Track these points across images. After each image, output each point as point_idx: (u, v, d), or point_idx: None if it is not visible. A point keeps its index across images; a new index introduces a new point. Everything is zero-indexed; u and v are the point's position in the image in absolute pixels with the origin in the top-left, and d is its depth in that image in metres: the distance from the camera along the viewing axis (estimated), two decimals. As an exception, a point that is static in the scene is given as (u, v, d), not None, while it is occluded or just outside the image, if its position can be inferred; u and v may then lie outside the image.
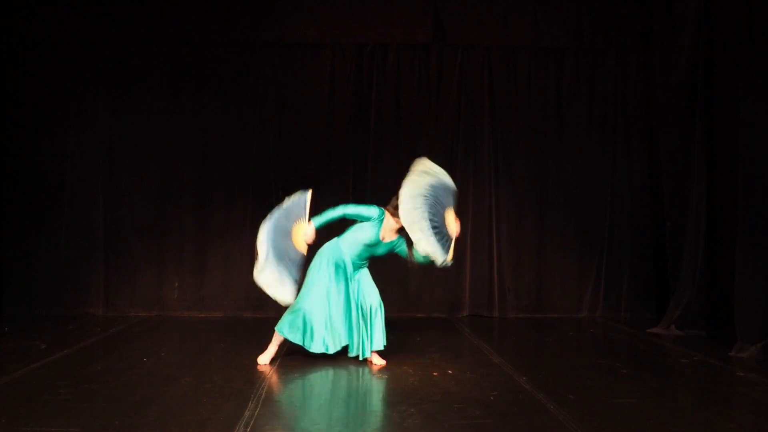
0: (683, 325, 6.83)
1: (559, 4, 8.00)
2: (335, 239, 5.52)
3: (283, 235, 5.22)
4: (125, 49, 7.82)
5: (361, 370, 5.22)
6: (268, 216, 5.27)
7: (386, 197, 7.97)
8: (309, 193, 5.32)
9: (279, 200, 7.65)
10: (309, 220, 5.24)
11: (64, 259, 7.74)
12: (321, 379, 5.00)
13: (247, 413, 4.08)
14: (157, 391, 4.58)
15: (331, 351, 5.33)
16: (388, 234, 5.37)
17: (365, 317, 5.37)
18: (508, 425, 3.93)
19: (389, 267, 7.95)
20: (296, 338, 5.33)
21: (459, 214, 7.92)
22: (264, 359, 5.38)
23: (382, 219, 5.34)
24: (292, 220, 5.26)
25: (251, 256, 5.41)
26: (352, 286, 5.43)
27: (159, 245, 7.86)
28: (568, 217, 8.10)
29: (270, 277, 5.13)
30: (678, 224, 7.08)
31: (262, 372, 5.12)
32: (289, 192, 7.75)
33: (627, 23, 8.02)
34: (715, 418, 4.09)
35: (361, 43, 7.97)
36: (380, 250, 5.44)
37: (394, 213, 5.24)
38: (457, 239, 5.20)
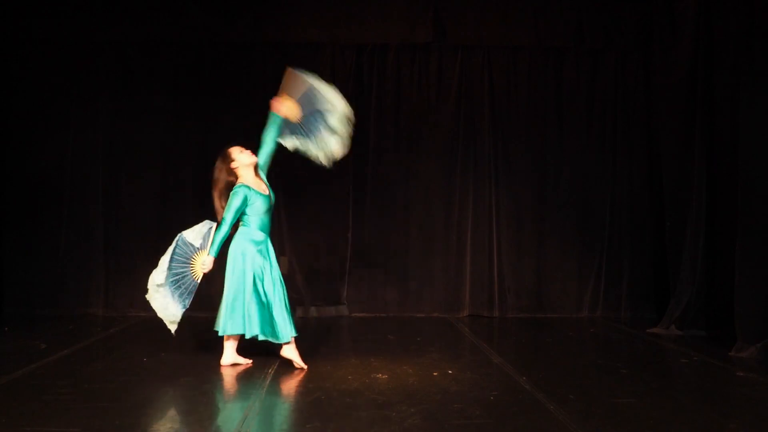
0: (683, 325, 6.84)
1: (559, 4, 7.99)
2: (238, 237, 5.32)
3: (183, 262, 5.37)
4: (125, 49, 7.82)
5: (360, 370, 5.22)
6: (173, 243, 5.41)
7: (386, 197, 8.03)
8: (213, 225, 5.40)
9: (278, 200, 7.74)
10: (208, 251, 5.27)
11: (64, 259, 7.74)
12: (320, 379, 5.00)
13: (247, 413, 4.08)
14: (157, 391, 4.58)
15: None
16: (256, 183, 5.34)
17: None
18: (508, 425, 3.93)
19: (389, 267, 7.97)
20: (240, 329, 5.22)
21: (459, 214, 8.02)
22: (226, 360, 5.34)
23: (244, 185, 5.27)
24: (193, 248, 5.38)
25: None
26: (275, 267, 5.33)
27: (159, 245, 7.80)
28: (568, 217, 8.09)
29: (162, 301, 5.32)
30: (678, 224, 7.07)
31: (262, 372, 5.12)
32: (289, 192, 7.82)
33: (627, 23, 8.02)
34: (715, 418, 4.09)
35: (361, 43, 7.97)
36: (272, 197, 5.40)
37: (231, 171, 5.38)
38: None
